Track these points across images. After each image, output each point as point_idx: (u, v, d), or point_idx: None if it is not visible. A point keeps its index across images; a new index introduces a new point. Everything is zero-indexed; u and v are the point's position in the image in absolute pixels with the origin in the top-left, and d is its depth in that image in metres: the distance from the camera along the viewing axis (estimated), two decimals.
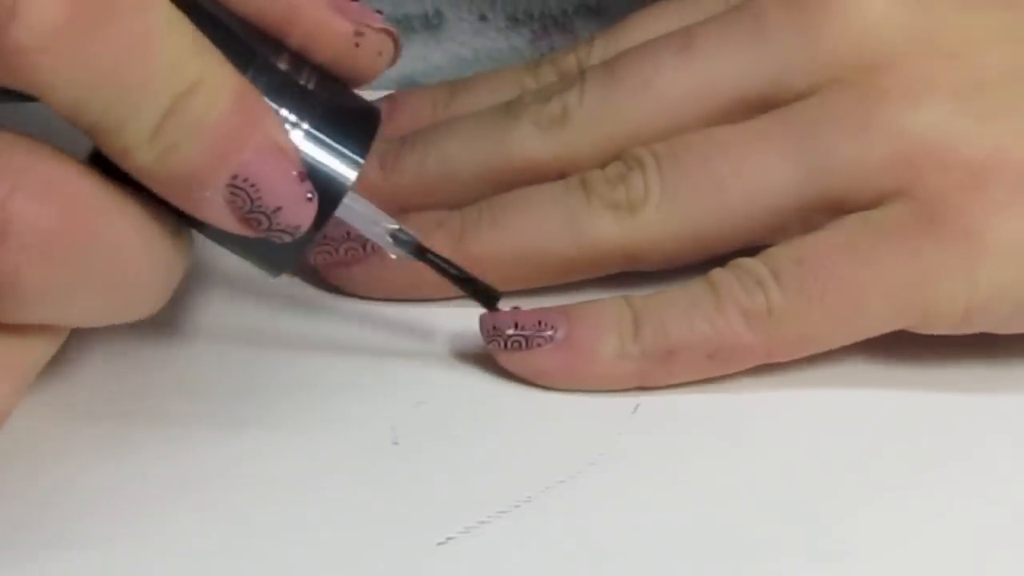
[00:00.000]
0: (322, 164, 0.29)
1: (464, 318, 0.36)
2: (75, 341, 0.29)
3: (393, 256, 0.33)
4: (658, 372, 0.34)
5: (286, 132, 0.28)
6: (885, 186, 0.34)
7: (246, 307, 0.37)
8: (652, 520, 0.31)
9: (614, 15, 0.46)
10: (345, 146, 0.30)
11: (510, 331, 0.34)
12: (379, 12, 0.32)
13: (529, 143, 0.37)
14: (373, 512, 0.31)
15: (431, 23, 0.47)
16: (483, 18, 0.47)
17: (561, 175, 0.37)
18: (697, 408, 0.34)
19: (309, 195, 0.28)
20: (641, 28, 0.39)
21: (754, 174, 0.35)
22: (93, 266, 0.27)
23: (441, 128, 0.38)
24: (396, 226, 0.33)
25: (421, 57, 0.48)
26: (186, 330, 0.36)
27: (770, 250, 0.35)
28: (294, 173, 0.28)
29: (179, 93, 0.26)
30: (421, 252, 0.33)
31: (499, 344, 0.34)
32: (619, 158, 0.36)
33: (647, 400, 0.34)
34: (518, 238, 0.36)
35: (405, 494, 0.32)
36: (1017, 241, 0.33)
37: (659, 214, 0.35)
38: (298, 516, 0.31)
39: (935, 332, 0.34)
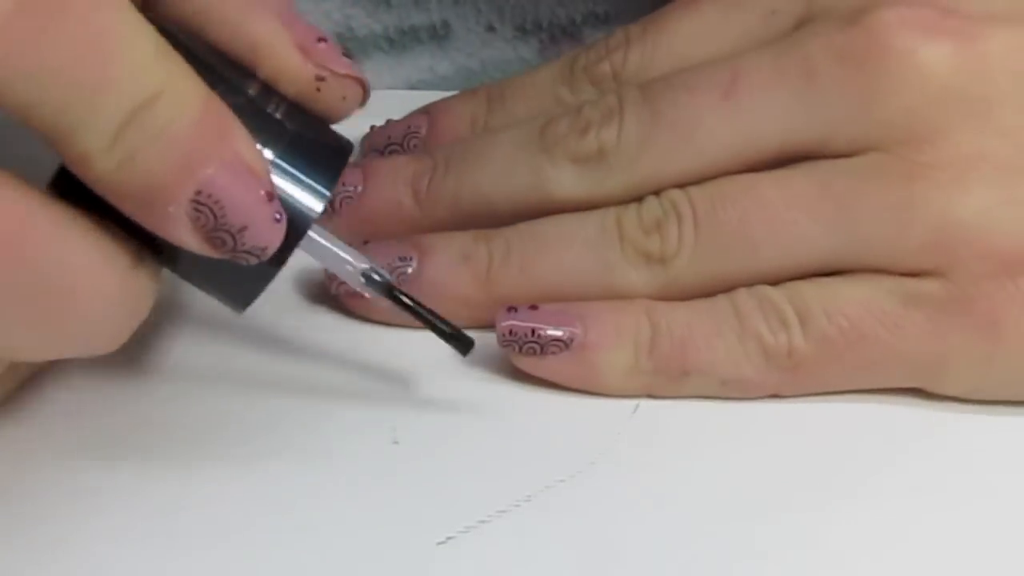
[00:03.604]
0: (287, 195, 0.28)
1: None
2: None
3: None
4: (668, 388, 0.34)
5: (255, 149, 0.27)
6: (921, 264, 0.33)
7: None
8: (652, 520, 0.31)
9: (623, 24, 0.46)
10: (311, 178, 0.29)
11: (526, 338, 0.34)
12: (347, 56, 0.30)
13: (565, 182, 0.36)
14: (373, 512, 0.31)
15: (438, 33, 0.47)
16: (491, 28, 0.47)
17: (593, 206, 0.36)
18: (697, 408, 0.34)
19: (277, 216, 0.27)
20: (680, 34, 0.38)
21: (789, 239, 0.34)
22: (27, 294, 0.25)
23: (472, 157, 0.37)
24: (367, 265, 0.32)
25: (428, 68, 0.48)
26: (187, 330, 0.36)
27: (799, 287, 0.34)
28: (262, 192, 0.27)
29: (141, 100, 0.25)
30: (392, 293, 0.32)
31: (513, 348, 0.34)
32: (655, 193, 0.35)
33: (647, 400, 0.35)
34: (548, 282, 0.35)
35: (405, 494, 0.32)
36: None
37: (690, 268, 0.35)
38: (297, 516, 0.31)
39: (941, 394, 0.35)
